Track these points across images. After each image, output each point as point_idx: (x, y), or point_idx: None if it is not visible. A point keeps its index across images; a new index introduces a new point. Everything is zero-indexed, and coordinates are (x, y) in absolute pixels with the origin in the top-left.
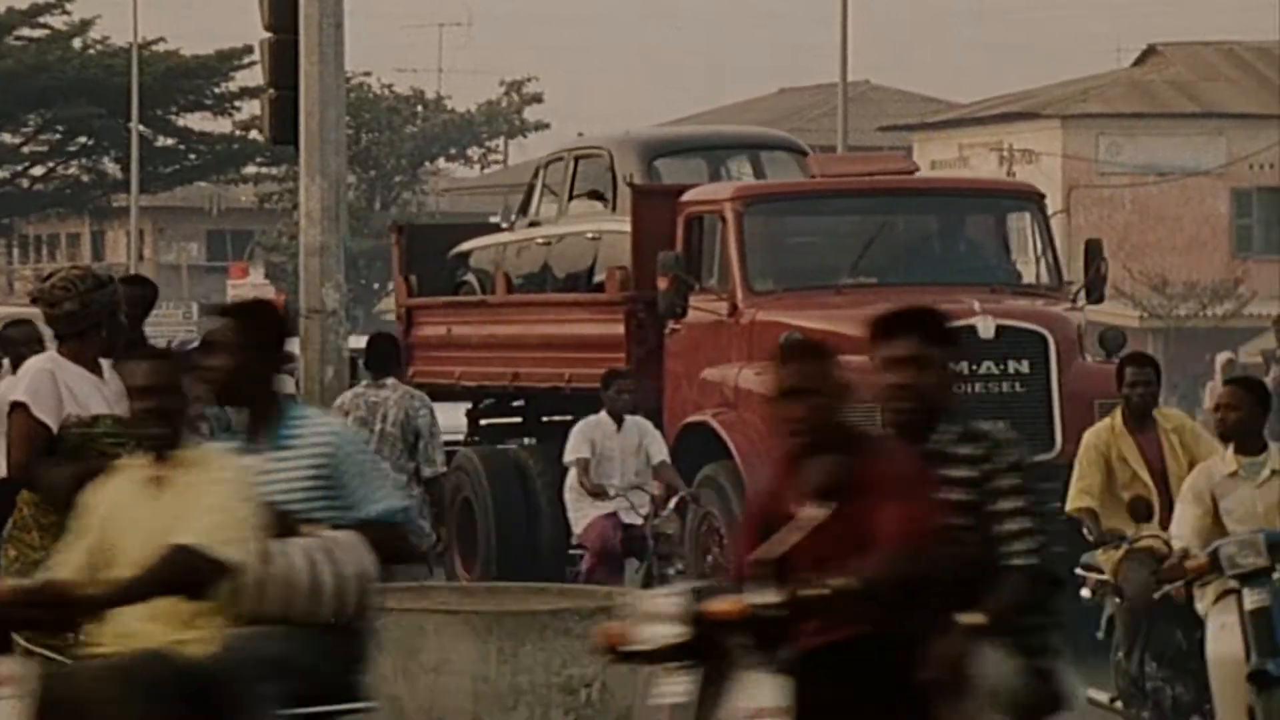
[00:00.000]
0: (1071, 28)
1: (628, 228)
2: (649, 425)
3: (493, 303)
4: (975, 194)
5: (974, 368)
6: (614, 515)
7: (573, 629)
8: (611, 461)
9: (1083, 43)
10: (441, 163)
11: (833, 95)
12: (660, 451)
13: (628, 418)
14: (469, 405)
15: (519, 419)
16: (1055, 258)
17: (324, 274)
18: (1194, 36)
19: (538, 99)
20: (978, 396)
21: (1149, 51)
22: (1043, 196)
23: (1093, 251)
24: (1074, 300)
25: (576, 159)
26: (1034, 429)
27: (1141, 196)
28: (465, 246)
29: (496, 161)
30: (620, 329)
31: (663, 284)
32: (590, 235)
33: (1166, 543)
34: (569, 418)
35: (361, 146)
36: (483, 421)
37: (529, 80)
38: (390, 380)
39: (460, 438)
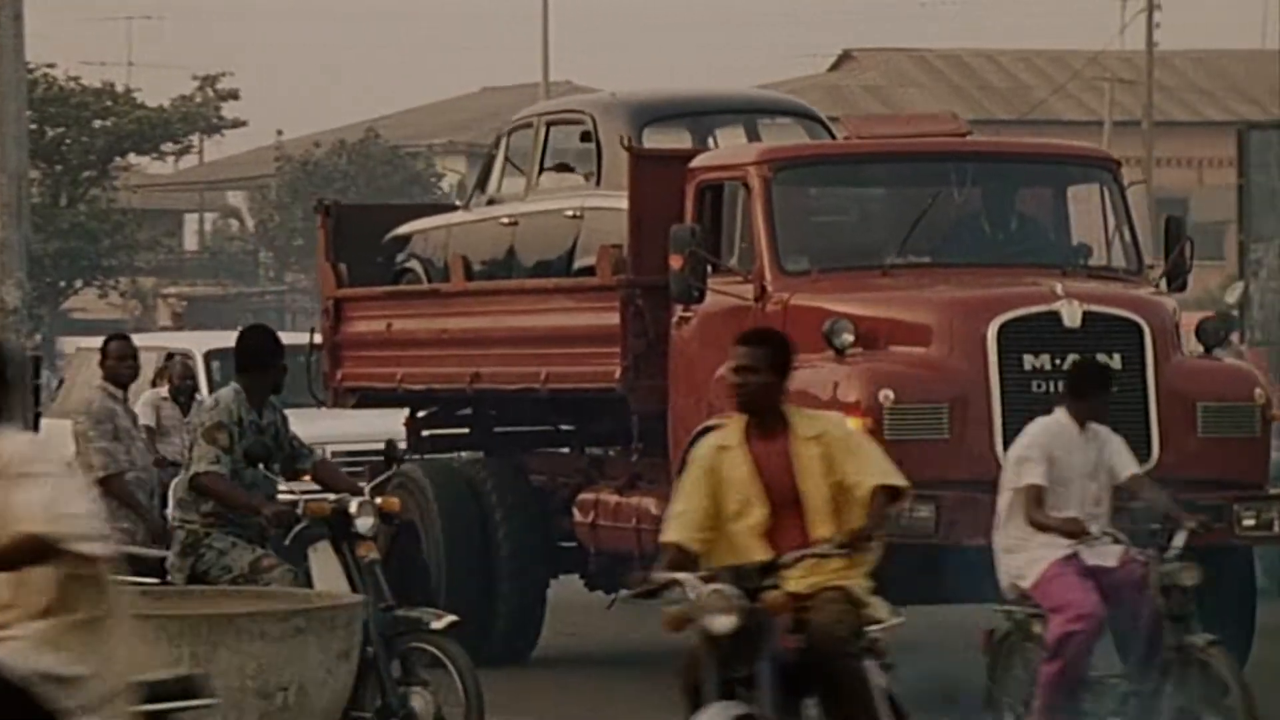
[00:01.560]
0: (768, 34)
1: (617, 204)
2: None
3: (447, 292)
4: (1042, 160)
5: (1056, 362)
6: (1075, 558)
7: (269, 632)
8: (1070, 484)
9: (780, 48)
10: (133, 158)
11: (536, 95)
12: (1131, 463)
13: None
14: (408, 413)
15: (466, 429)
16: (1135, 235)
17: (4, 271)
18: (887, 44)
19: (234, 95)
20: (1060, 396)
21: (844, 57)
22: (1119, 164)
23: (1175, 229)
24: (1158, 286)
25: (548, 126)
26: (1125, 435)
27: None
28: (406, 229)
29: (192, 156)
30: (615, 318)
31: (676, 263)
32: (569, 213)
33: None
34: (525, 429)
35: (47, 141)
36: (425, 432)
37: (223, 75)
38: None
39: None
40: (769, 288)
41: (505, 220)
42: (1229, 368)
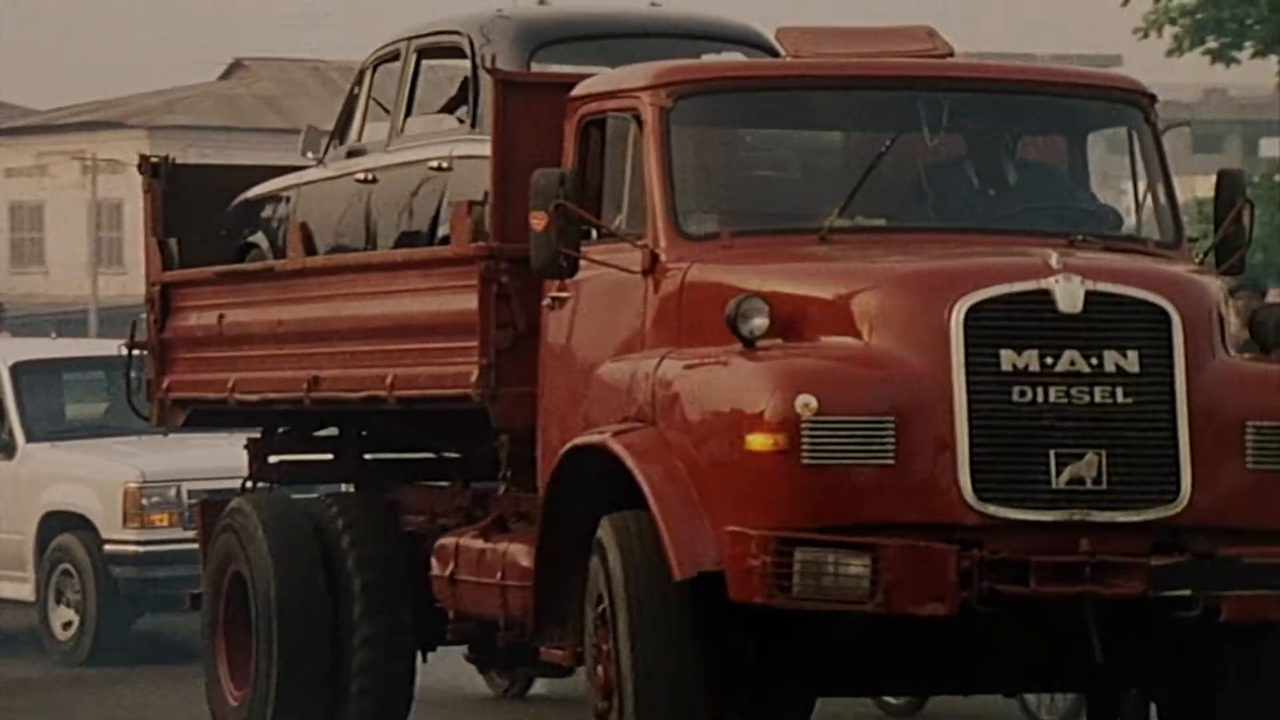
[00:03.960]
0: (159, 36)
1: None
2: None
3: (282, 272)
4: (1047, 91)
5: (1048, 360)
6: None
7: None
8: None
9: (171, 53)
10: None
11: None
12: None
13: None
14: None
15: (330, 455)
16: (1174, 195)
17: None
18: (279, 53)
19: None
20: (1051, 409)
21: (235, 65)
22: (1153, 99)
23: (1229, 187)
24: (1202, 264)
25: (419, 54)
26: (1144, 466)
27: None
28: (257, 192)
29: None
30: (472, 302)
31: (538, 223)
32: (435, 164)
33: None
34: (405, 455)
35: None
36: (273, 458)
37: None
38: None
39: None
40: (661, 256)
41: (360, 177)
42: None
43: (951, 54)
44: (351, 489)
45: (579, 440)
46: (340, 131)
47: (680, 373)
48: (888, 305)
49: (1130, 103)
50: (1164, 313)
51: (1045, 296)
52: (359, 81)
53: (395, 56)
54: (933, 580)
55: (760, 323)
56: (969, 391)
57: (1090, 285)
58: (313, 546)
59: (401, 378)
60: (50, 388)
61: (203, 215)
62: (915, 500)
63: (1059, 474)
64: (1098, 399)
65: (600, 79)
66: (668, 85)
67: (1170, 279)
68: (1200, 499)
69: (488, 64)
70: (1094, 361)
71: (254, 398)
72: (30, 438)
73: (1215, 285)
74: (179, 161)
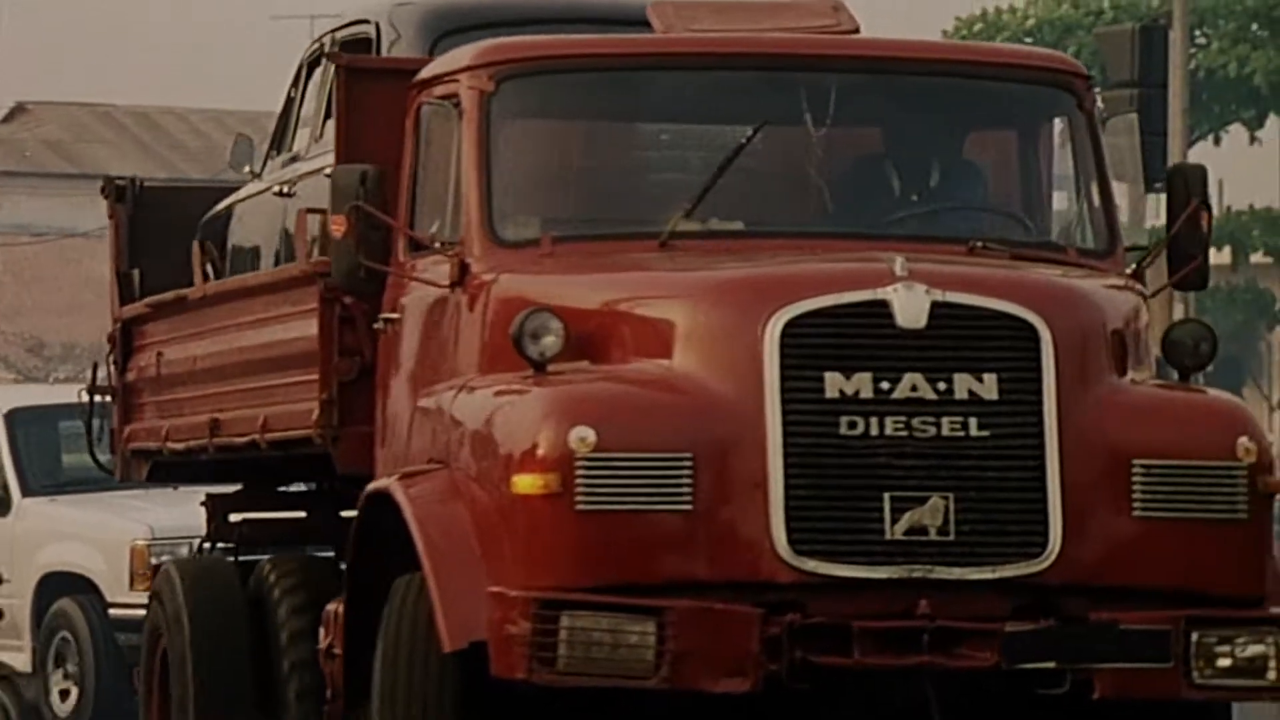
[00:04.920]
0: None
1: None
2: None
3: (191, 301)
4: (958, 71)
5: (884, 386)
6: None
7: None
8: None
9: None
10: None
11: None
12: None
13: None
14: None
15: (303, 513)
16: (1108, 194)
17: None
18: (66, 97)
19: None
20: (887, 444)
21: (18, 109)
22: (1089, 80)
23: (1184, 185)
24: (1135, 273)
25: (341, 47)
26: (1002, 513)
27: (15, 257)
28: (210, 214)
29: None
30: (312, 328)
31: (337, 229)
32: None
33: None
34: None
35: None
36: (234, 517)
37: None
38: None
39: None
40: (473, 266)
41: (277, 190)
42: (1195, 402)
43: (856, 30)
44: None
45: (372, 486)
46: (278, 139)
47: (468, 405)
48: (694, 321)
49: (1060, 86)
50: (1030, 329)
51: (882, 309)
52: (294, 83)
53: (319, 52)
54: (730, 650)
55: (551, 342)
56: (785, 423)
57: (938, 295)
58: (240, 619)
59: (271, 418)
60: (47, 437)
61: (177, 242)
62: (718, 554)
63: (895, 522)
64: (945, 432)
65: (437, 62)
66: (488, 66)
67: (1042, 289)
68: (1072, 552)
69: (387, 54)
70: (941, 387)
71: (180, 446)
72: (26, 491)
73: (1124, 301)
74: (155, 182)
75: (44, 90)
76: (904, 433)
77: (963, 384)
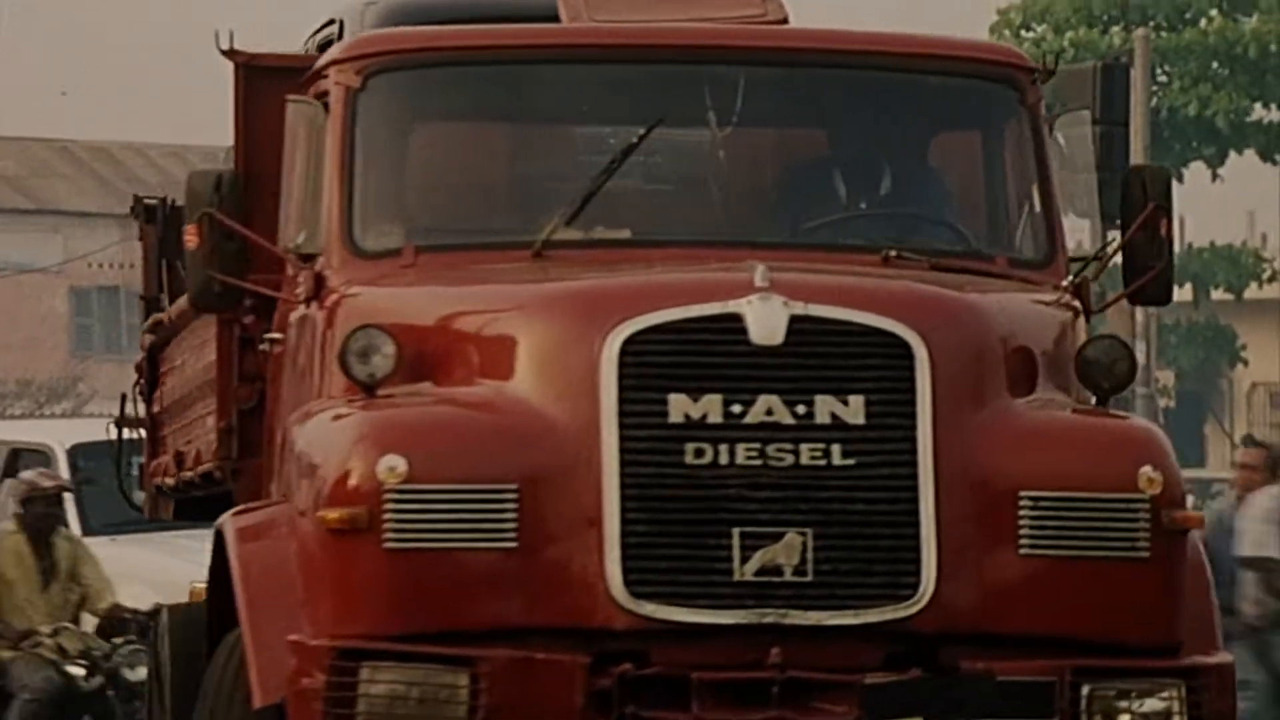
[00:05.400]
0: None
1: None
2: None
3: (167, 325)
4: (882, 64)
5: (734, 410)
6: None
7: None
8: None
9: None
10: None
11: None
12: None
13: None
14: None
15: None
16: (1050, 199)
17: None
18: (22, 132)
19: None
20: (738, 475)
21: None
22: (1033, 73)
23: (1140, 187)
24: (1072, 285)
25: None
26: (868, 551)
27: None
28: None
29: None
30: (211, 351)
31: (190, 240)
32: None
33: None
34: None
35: None
36: None
37: None
38: None
39: None
40: (329, 278)
41: None
42: (1094, 427)
43: (784, 21)
44: None
45: (219, 521)
46: None
47: (301, 433)
48: (530, 338)
49: (998, 79)
50: (902, 345)
51: (735, 323)
52: None
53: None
54: (552, 705)
55: (380, 362)
56: (623, 450)
57: (797, 308)
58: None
59: (202, 450)
60: (109, 474)
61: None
62: (545, 597)
63: (746, 561)
64: (804, 460)
65: (326, 55)
66: (355, 60)
67: (919, 300)
68: (948, 595)
69: None
70: (800, 410)
71: (171, 481)
72: (87, 531)
73: (1039, 316)
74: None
75: (0, 125)
76: (757, 461)
77: (824, 407)
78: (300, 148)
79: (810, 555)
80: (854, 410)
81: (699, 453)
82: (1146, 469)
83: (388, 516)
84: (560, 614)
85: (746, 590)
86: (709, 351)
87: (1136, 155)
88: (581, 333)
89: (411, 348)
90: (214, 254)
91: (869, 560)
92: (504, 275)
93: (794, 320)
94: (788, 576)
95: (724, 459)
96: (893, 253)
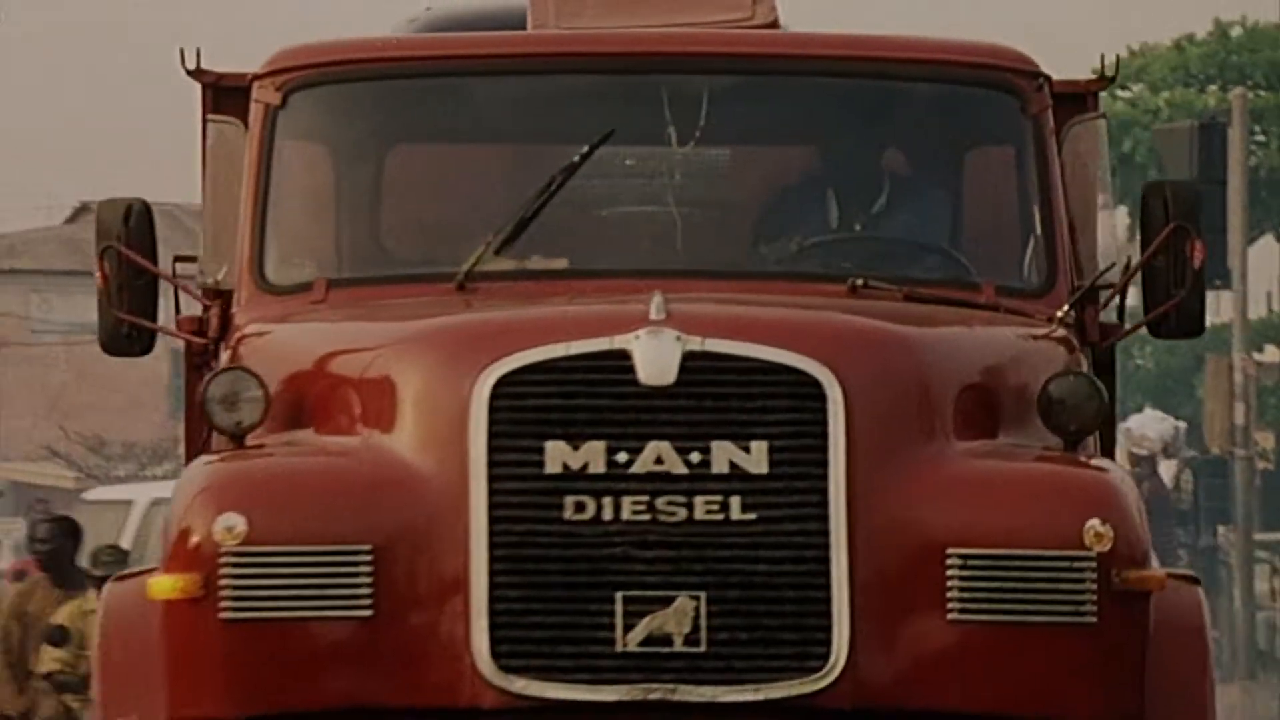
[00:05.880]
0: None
1: None
2: None
3: None
4: (868, 71)
5: (619, 458)
6: None
7: None
8: None
9: (14, 196)
10: None
11: None
12: None
13: None
14: None
15: None
16: (1052, 219)
17: None
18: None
19: None
20: (624, 532)
21: (82, 209)
22: (1039, 79)
23: (1160, 206)
24: (1070, 316)
25: None
26: (772, 618)
27: (77, 356)
28: None
29: None
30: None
31: (100, 278)
32: None
33: None
34: None
35: None
36: None
37: None
38: None
39: None
40: (235, 316)
41: None
42: (1038, 475)
43: (774, 24)
44: None
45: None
46: None
47: (173, 489)
48: (400, 380)
49: (998, 85)
50: (813, 384)
51: (623, 361)
52: None
53: None
54: None
55: (249, 409)
56: (492, 505)
57: (693, 344)
58: None
59: None
60: None
61: None
62: (404, 672)
63: (630, 630)
64: (699, 514)
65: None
66: (276, 74)
67: (834, 333)
68: (864, 667)
69: None
70: (695, 458)
71: None
72: None
73: (1010, 350)
74: None
75: (108, 190)
76: (645, 516)
77: (722, 454)
78: (221, 173)
79: (704, 622)
80: (756, 458)
81: (579, 507)
82: (1094, 522)
83: (224, 583)
84: (421, 692)
85: (631, 662)
86: (592, 393)
87: (1234, 214)
88: (450, 374)
89: (291, 392)
90: (121, 292)
91: (772, 628)
92: (407, 311)
93: (688, 357)
94: (678, 646)
95: (607, 514)
96: (860, 282)
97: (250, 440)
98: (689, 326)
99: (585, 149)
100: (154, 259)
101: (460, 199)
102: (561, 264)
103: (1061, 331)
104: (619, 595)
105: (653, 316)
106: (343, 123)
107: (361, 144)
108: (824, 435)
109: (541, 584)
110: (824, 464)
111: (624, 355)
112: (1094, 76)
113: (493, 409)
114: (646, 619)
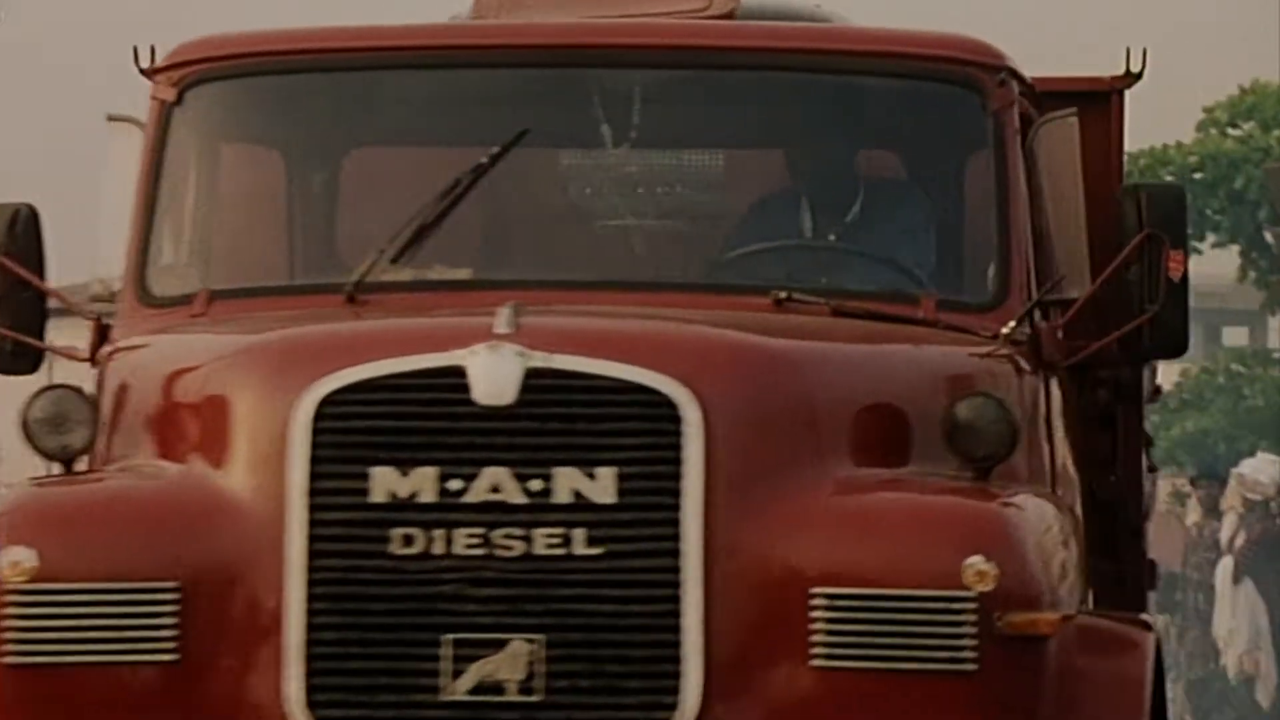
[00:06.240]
0: None
1: None
2: None
3: None
4: (813, 65)
5: (451, 486)
6: None
7: None
8: None
9: None
10: None
11: None
12: None
13: None
14: None
15: None
16: (1009, 227)
17: None
18: None
19: None
20: (455, 568)
21: None
22: (1000, 72)
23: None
24: (1018, 332)
25: None
26: (617, 661)
27: None
28: None
29: None
30: None
31: None
32: None
33: None
34: None
35: None
36: None
37: None
38: None
39: None
40: (113, 331)
41: None
42: (918, 507)
43: (731, 15)
44: None
45: None
46: None
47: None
48: (221, 399)
49: (956, 80)
50: (668, 404)
51: (457, 378)
52: None
53: None
54: None
55: (76, 432)
56: (311, 537)
57: (537, 360)
58: None
59: None
60: None
61: None
62: None
63: (459, 676)
64: (539, 549)
65: None
66: (172, 69)
67: (696, 348)
68: (719, 717)
69: None
70: (535, 486)
71: None
72: None
73: (938, 370)
74: None
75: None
76: (479, 550)
77: (565, 482)
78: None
79: (542, 668)
80: (602, 486)
81: (407, 540)
82: (975, 560)
83: (8, 623)
84: None
85: (458, 713)
86: (424, 414)
87: None
88: (271, 392)
89: (132, 414)
90: (3, 306)
91: (617, 674)
92: (261, 325)
93: (530, 374)
94: (511, 695)
95: (438, 547)
96: (784, 295)
97: (81, 466)
98: (536, 341)
99: (496, 150)
100: (41, 270)
101: (366, 204)
102: (465, 274)
103: (1006, 350)
104: (448, 638)
105: (496, 330)
106: (242, 121)
107: (262, 145)
108: (678, 461)
109: (363, 625)
110: (677, 493)
111: (459, 372)
112: (1119, 74)
113: (315, 431)
114: (477, 664)
